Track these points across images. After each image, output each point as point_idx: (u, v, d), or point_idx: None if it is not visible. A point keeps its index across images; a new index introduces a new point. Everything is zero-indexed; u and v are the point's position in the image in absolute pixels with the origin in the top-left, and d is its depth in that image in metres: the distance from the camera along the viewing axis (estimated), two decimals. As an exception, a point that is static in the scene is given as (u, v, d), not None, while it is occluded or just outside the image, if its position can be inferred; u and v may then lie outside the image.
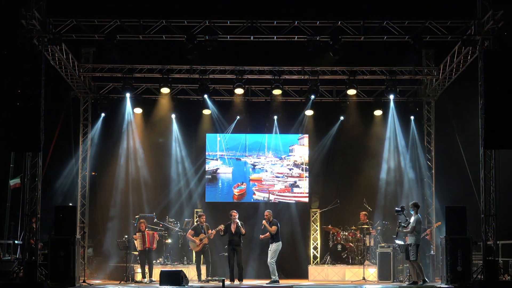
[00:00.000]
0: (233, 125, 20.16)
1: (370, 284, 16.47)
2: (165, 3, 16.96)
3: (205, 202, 20.12)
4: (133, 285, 16.39)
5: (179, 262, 18.28)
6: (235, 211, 16.64)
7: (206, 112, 19.83)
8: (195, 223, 17.80)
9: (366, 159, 19.96)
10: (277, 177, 20.34)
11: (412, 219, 15.19)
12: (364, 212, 18.63)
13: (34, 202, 14.56)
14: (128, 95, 18.95)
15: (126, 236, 17.39)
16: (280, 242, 16.36)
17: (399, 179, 19.77)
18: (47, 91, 14.69)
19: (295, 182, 20.28)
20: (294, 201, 20.21)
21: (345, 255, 18.40)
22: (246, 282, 16.59)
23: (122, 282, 16.76)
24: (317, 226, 19.93)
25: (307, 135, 20.31)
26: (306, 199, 20.20)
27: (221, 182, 20.37)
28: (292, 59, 18.02)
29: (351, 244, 18.54)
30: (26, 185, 14.60)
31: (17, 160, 16.71)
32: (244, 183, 20.31)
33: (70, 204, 18.07)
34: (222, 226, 16.61)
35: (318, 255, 19.64)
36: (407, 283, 15.88)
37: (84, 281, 15.70)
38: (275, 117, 20.04)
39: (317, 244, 19.82)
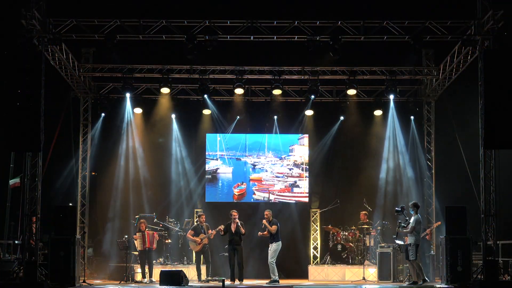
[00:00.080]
0: (233, 125, 20.16)
1: (370, 284, 16.47)
2: (165, 3, 16.96)
3: (205, 202, 20.12)
4: (133, 285, 16.39)
5: (179, 262, 18.28)
6: (235, 211, 16.64)
7: (206, 112, 19.83)
8: (195, 223, 17.80)
9: (366, 159, 19.97)
10: (277, 177, 20.35)
11: (411, 219, 15.20)
12: (364, 212, 18.64)
13: (34, 202, 14.56)
14: (128, 95, 18.95)
15: (126, 236, 17.39)
16: (280, 242, 16.36)
17: (399, 179, 19.77)
18: (47, 91, 14.69)
19: (295, 182, 20.28)
20: (294, 201, 20.21)
21: (345, 255, 18.40)
22: (246, 282, 16.59)
23: (122, 282, 16.76)
24: (317, 226, 19.93)
25: (307, 135, 20.31)
26: (306, 199, 20.20)
27: (221, 182, 20.37)
28: (292, 59, 18.02)
29: (351, 244, 18.54)
30: (26, 185, 14.60)
31: (17, 160, 16.70)
32: (244, 183, 20.31)
33: (70, 204, 18.06)
34: (222, 226, 16.61)
35: (318, 255, 19.64)
36: (407, 283, 15.88)
37: (84, 281, 15.70)
38: (275, 117, 20.04)
39: (317, 244, 19.82)
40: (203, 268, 17.17)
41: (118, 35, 15.32)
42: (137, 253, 17.23)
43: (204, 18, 15.48)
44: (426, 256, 17.34)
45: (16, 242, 16.44)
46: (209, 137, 20.36)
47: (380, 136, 19.92)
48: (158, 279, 15.02)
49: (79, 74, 17.96)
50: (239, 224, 16.31)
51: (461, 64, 16.87)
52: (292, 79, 18.64)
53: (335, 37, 15.30)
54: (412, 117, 19.62)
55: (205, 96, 19.01)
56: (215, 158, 20.36)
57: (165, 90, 18.39)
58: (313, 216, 20.02)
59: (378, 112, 19.70)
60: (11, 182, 17.12)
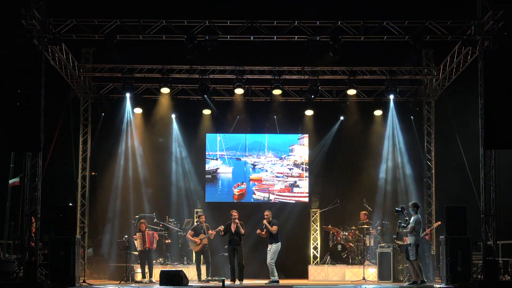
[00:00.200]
0: (233, 125, 20.16)
1: (370, 284, 16.47)
2: (165, 3, 16.96)
3: (205, 202, 20.12)
4: (133, 285, 16.39)
5: (179, 262, 18.28)
6: (236, 211, 16.63)
7: (206, 112, 19.83)
8: (195, 223, 17.79)
9: (366, 159, 19.98)
10: (277, 177, 20.35)
11: (411, 219, 15.21)
12: (364, 212, 18.63)
13: (34, 202, 14.56)
14: (128, 95, 18.95)
15: (126, 236, 17.39)
16: (280, 242, 16.34)
17: (399, 179, 19.76)
18: (47, 91, 14.69)
19: (295, 182, 20.28)
20: (294, 201, 20.21)
21: (345, 255, 18.39)
22: (246, 282, 16.58)
23: (122, 282, 16.76)
24: (317, 226, 19.93)
25: (307, 135, 20.31)
26: (306, 199, 20.20)
27: (221, 182, 20.37)
28: (292, 59, 18.03)
29: (351, 244, 18.54)
30: (26, 185, 14.59)
31: (17, 160, 16.69)
32: (244, 183, 20.31)
33: (70, 204, 18.07)
34: (222, 226, 16.60)
35: (318, 255, 19.64)
36: (407, 283, 15.88)
37: (84, 281, 15.69)
38: (275, 117, 20.04)
39: (317, 244, 19.81)
40: (203, 268, 17.17)
41: (118, 35, 15.32)
42: (137, 253, 17.22)
43: (204, 18, 15.48)
44: (426, 256, 17.34)
45: (16, 242, 16.45)
46: (209, 137, 20.35)
47: (380, 136, 19.92)
48: (158, 279, 15.02)
49: (79, 74, 17.96)
50: (239, 224, 16.30)
51: (461, 64, 16.87)
52: (292, 79, 18.63)
53: (335, 37, 15.30)
54: (412, 117, 19.61)
55: (205, 96, 19.00)
56: (215, 158, 20.37)
57: (165, 90, 18.40)
58: (313, 216, 20.02)
59: (378, 112, 19.70)
60: (11, 181, 17.13)
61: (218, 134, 20.30)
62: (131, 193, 19.73)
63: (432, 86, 18.87)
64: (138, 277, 17.31)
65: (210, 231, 17.03)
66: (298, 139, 20.42)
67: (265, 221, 16.30)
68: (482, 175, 14.79)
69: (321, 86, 18.73)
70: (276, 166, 20.37)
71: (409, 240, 15.24)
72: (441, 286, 14.78)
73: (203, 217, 17.40)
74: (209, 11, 16.31)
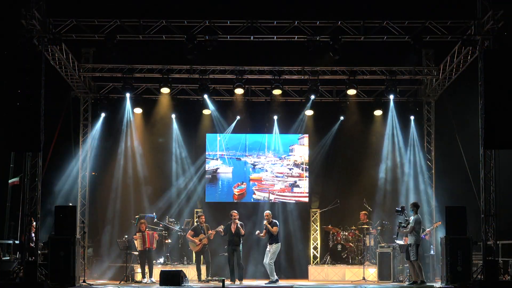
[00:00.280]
0: (233, 125, 20.16)
1: (370, 284, 16.47)
2: (165, 3, 16.96)
3: (205, 202, 20.12)
4: (133, 285, 16.40)
5: (179, 262, 18.28)
6: (236, 212, 16.63)
7: (206, 112, 19.83)
8: (195, 223, 17.79)
9: (366, 159, 19.98)
10: (277, 177, 20.35)
11: (411, 219, 15.21)
12: (364, 212, 18.63)
13: (34, 202, 14.56)
14: (128, 95, 18.94)
15: (126, 236, 17.39)
16: (280, 243, 16.34)
17: (399, 179, 19.77)
18: (47, 91, 14.69)
19: (295, 182, 20.28)
20: (294, 201, 20.21)
21: (345, 255, 18.40)
22: (246, 282, 16.59)
23: (122, 282, 16.76)
24: (317, 226, 19.93)
25: (307, 135, 20.31)
26: (306, 199, 20.20)
27: (221, 181, 20.37)
28: (292, 59, 18.03)
29: (351, 244, 18.54)
30: (26, 185, 14.59)
31: (17, 160, 16.72)
32: (244, 183, 20.31)
33: (70, 204, 18.07)
34: (222, 226, 16.61)
35: (318, 255, 19.64)
36: (407, 283, 15.89)
37: (84, 281, 15.69)
38: (275, 117, 20.04)
39: (317, 244, 19.81)
40: (203, 268, 17.17)
41: (118, 35, 15.32)
42: (137, 253, 17.22)
43: (204, 18, 15.48)
44: (426, 256, 17.34)
45: (16, 242, 16.46)
46: (209, 137, 20.36)
47: (380, 136, 19.92)
48: (158, 279, 15.02)
49: (79, 74, 17.96)
50: (239, 225, 16.30)
51: (461, 64, 16.87)
52: (292, 79, 18.64)
53: (335, 37, 15.30)
54: (412, 117, 19.61)
55: (205, 96, 19.01)
56: (215, 158, 20.37)
57: (165, 90, 18.39)
58: (313, 216, 20.02)
59: (378, 112, 19.70)
60: (10, 180, 17.14)
61: (218, 134, 20.30)
62: (131, 193, 19.74)
63: (432, 86, 18.87)
64: (138, 277, 17.30)
65: (210, 231, 17.03)
66: (298, 139, 20.42)
67: (265, 222, 16.28)
68: (482, 175, 14.79)
69: (321, 86, 18.74)
70: (276, 166, 20.37)
71: (409, 240, 15.25)
72: (441, 286, 14.78)
73: (203, 217, 17.40)
74: (209, 11, 16.30)
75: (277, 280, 16.13)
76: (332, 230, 18.99)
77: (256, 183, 20.28)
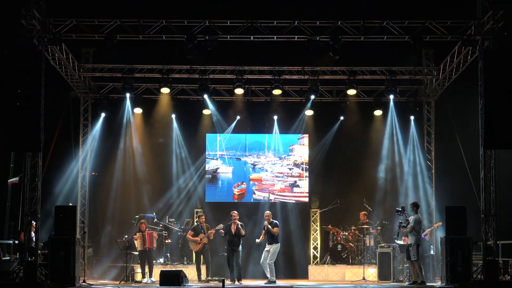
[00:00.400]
0: (233, 125, 20.16)
1: (370, 284, 16.47)
2: (165, 3, 16.96)
3: (205, 202, 20.12)
4: (133, 285, 16.40)
5: (179, 262, 18.28)
6: (236, 212, 16.63)
7: (206, 112, 19.83)
8: (195, 223, 17.79)
9: (366, 159, 19.98)
10: (277, 176, 20.35)
11: (411, 219, 15.21)
12: (364, 212, 18.62)
13: (34, 202, 14.55)
14: (128, 95, 18.94)
15: (126, 236, 17.39)
16: (279, 243, 16.32)
17: (399, 179, 19.77)
18: (47, 91, 14.68)
19: (295, 181, 20.28)
20: (294, 201, 20.21)
21: (345, 255, 18.39)
22: (245, 282, 16.59)
23: (122, 282, 16.75)
24: (317, 226, 19.93)
25: (307, 135, 20.31)
26: (306, 199, 20.20)
27: (221, 181, 20.37)
28: (292, 59, 18.03)
29: (351, 244, 18.54)
30: (26, 185, 14.59)
31: (17, 160, 16.71)
32: (244, 183, 20.31)
33: (70, 204, 18.07)
34: (221, 225, 16.61)
35: (318, 255, 19.64)
36: (407, 283, 15.89)
37: (84, 281, 15.69)
38: (275, 117, 20.04)
39: (317, 244, 19.81)
40: (203, 268, 17.17)
41: (118, 35, 15.31)
42: (137, 253, 17.22)
43: (204, 18, 15.47)
44: (426, 256, 17.34)
45: (16, 242, 16.45)
46: (209, 137, 20.36)
47: (380, 136, 19.92)
48: (158, 279, 15.02)
49: (79, 74, 17.96)
50: (239, 225, 16.29)
51: (461, 64, 16.87)
52: (292, 79, 18.64)
53: (335, 37, 15.30)
54: (412, 117, 19.61)
55: (205, 96, 19.01)
56: (215, 158, 20.37)
57: (165, 90, 18.40)
58: (313, 216, 20.02)
59: (378, 112, 19.70)
60: (10, 180, 17.13)
61: (218, 134, 20.30)
62: (131, 193, 19.75)
63: (432, 86, 18.86)
64: (138, 277, 17.31)
65: (209, 231, 17.02)
66: (298, 139, 20.43)
67: (266, 223, 16.25)
68: (482, 175, 14.79)
69: (321, 86, 18.74)
70: (276, 166, 20.38)
71: (409, 240, 15.25)
72: (441, 286, 14.77)
73: (203, 217, 17.40)
74: (209, 11, 16.30)
75: (274, 282, 16.10)
76: (332, 230, 18.99)
77: (256, 183, 20.28)
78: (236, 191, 20.27)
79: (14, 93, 14.14)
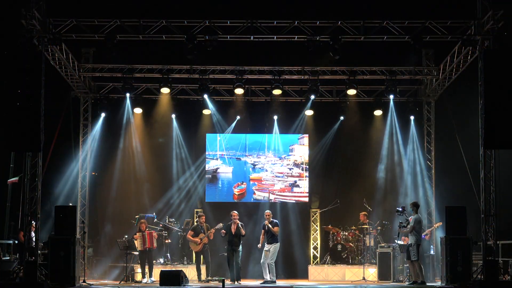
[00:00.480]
0: (233, 125, 20.16)
1: (370, 284, 16.47)
2: (165, 3, 16.96)
3: (205, 202, 20.13)
4: (133, 285, 16.40)
5: (179, 262, 18.28)
6: (236, 212, 16.63)
7: (206, 112, 19.83)
8: (195, 223, 17.79)
9: (366, 159, 19.99)
10: (277, 176, 20.35)
11: (411, 219, 15.21)
12: (363, 213, 18.61)
13: (34, 202, 14.55)
14: (128, 95, 18.94)
15: (126, 236, 17.38)
16: (279, 242, 16.31)
17: (398, 179, 19.77)
18: (47, 91, 14.68)
19: (295, 181, 20.28)
20: (294, 201, 20.22)
21: (345, 255, 18.40)
22: (245, 282, 16.59)
23: (122, 282, 16.76)
24: (317, 226, 19.93)
25: (307, 135, 20.31)
26: (306, 199, 20.20)
27: (221, 181, 20.37)
28: (292, 59, 18.03)
29: (351, 244, 18.54)
30: (26, 185, 14.59)
31: (17, 160, 16.71)
32: (244, 183, 20.31)
33: (70, 204, 18.07)
34: (221, 224, 16.61)
35: (318, 255, 19.64)
36: (407, 283, 15.89)
37: (84, 281, 15.69)
38: (275, 117, 20.04)
39: (317, 244, 19.81)
40: (203, 268, 17.17)
41: (118, 35, 15.31)
42: (137, 253, 17.22)
43: (204, 18, 15.47)
44: (426, 256, 17.35)
45: (16, 242, 16.45)
46: (209, 137, 20.36)
47: (380, 136, 19.92)
48: (158, 279, 15.01)
49: (79, 74, 17.96)
50: (239, 225, 16.29)
51: (461, 64, 16.87)
52: (292, 79, 18.64)
53: (335, 37, 15.29)
54: (412, 117, 19.61)
55: (205, 96, 19.01)
56: (215, 158, 20.37)
57: (165, 90, 18.40)
58: (313, 216, 20.02)
59: (378, 112, 19.70)
60: (10, 180, 17.13)
61: (218, 134, 20.30)
62: (131, 193, 19.75)
63: (432, 86, 18.87)
64: (138, 277, 17.31)
65: (209, 231, 17.02)
66: (298, 139, 20.43)
67: (266, 222, 16.24)
68: (482, 175, 14.79)
69: (321, 86, 18.74)
70: (276, 166, 20.38)
71: (410, 240, 15.25)
72: (441, 286, 14.77)
73: (204, 217, 17.39)
74: (209, 11, 16.30)
75: (274, 282, 16.09)
76: (332, 230, 18.99)
77: (256, 183, 20.28)
78: (236, 191, 20.27)
79: (14, 93, 14.14)
